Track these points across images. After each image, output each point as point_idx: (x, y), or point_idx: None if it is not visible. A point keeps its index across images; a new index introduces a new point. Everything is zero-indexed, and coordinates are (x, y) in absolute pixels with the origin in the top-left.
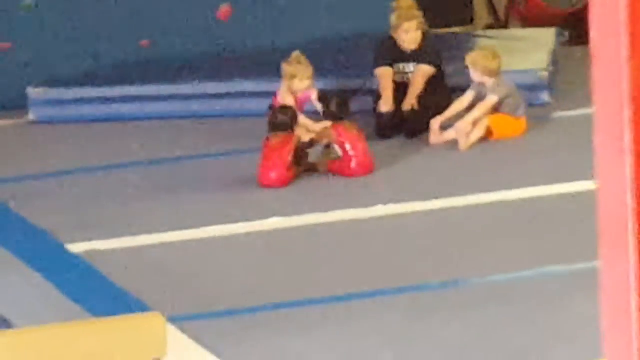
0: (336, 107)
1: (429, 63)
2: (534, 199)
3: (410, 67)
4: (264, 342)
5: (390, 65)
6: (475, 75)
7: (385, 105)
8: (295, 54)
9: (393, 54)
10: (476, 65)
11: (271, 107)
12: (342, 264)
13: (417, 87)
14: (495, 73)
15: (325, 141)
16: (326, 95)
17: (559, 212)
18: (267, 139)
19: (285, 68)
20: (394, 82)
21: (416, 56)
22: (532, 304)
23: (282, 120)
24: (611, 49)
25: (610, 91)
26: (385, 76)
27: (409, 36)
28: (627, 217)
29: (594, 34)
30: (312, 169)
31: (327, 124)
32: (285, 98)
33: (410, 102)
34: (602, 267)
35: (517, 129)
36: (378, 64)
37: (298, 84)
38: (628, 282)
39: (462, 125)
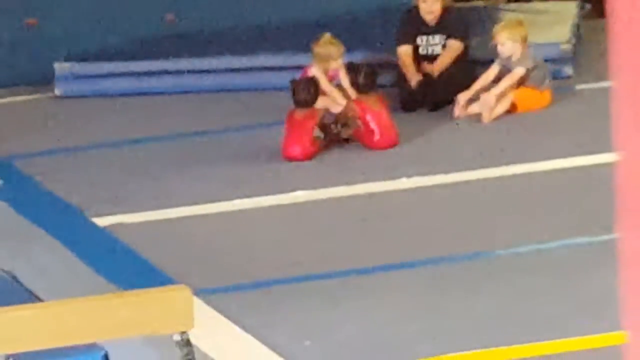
0: (363, 78)
1: (456, 36)
2: (558, 171)
3: (435, 39)
4: (290, 315)
5: (414, 38)
6: (502, 47)
7: (414, 78)
8: (326, 35)
9: (417, 26)
10: (504, 35)
11: (292, 82)
12: (367, 237)
13: (445, 59)
14: (522, 42)
15: (352, 114)
16: (354, 66)
17: (583, 184)
18: (291, 112)
19: (318, 50)
20: (420, 55)
21: (441, 28)
22: (557, 275)
23: (304, 96)
24: (630, 21)
25: (629, 65)
26: (405, 54)
27: (426, 6)
28: None
29: (610, 7)
30: (335, 139)
31: (353, 96)
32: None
33: (438, 68)
34: (620, 240)
35: (542, 102)
36: (400, 40)
37: (332, 64)
38: None
39: (487, 98)
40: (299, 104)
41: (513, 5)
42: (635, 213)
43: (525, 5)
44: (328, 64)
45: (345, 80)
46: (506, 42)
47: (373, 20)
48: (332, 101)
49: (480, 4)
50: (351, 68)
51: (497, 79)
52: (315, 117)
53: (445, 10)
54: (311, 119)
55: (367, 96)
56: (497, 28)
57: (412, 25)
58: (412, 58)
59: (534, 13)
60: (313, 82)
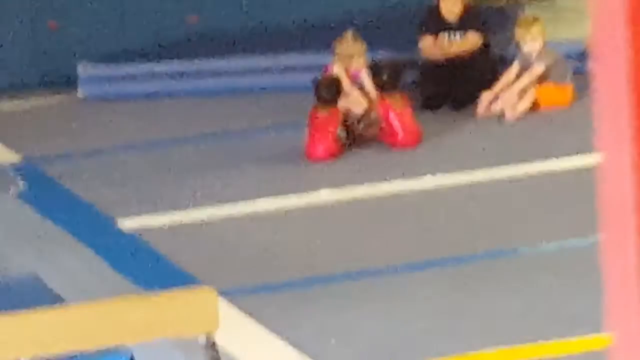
0: (387, 78)
1: (475, 30)
2: (582, 167)
3: (457, 37)
4: (316, 315)
5: (436, 34)
6: (522, 44)
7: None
8: (349, 33)
9: (437, 24)
10: (524, 33)
11: (314, 81)
12: (391, 236)
13: (462, 45)
14: (541, 39)
15: (375, 114)
16: (378, 65)
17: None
18: (314, 112)
19: (340, 48)
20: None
21: (462, 26)
22: (581, 273)
23: (326, 94)
24: (611, 31)
25: (610, 78)
26: (428, 44)
27: (447, 6)
28: (628, 203)
29: (595, 20)
30: (359, 138)
31: (375, 96)
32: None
33: (455, 50)
34: (604, 251)
35: (564, 98)
36: (421, 33)
37: (355, 62)
38: (630, 265)
39: (508, 96)
40: (321, 101)
41: (538, 3)
42: (617, 219)
43: (547, 3)
44: (350, 62)
45: (367, 80)
46: (522, 38)
47: (395, 19)
48: (354, 102)
49: (503, 2)
50: (375, 67)
51: (518, 77)
52: (337, 116)
53: (466, 8)
54: (334, 118)
55: (390, 95)
56: (516, 25)
57: (434, 24)
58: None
59: (559, 10)
60: (335, 80)
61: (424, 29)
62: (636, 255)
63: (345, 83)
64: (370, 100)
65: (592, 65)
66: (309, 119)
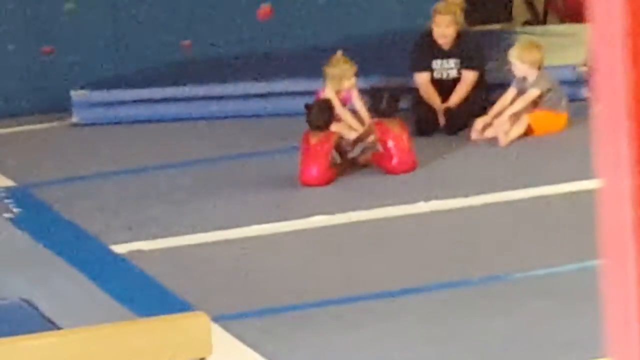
0: (386, 103)
1: (471, 66)
2: (574, 193)
3: (450, 63)
4: (309, 340)
5: (429, 63)
6: (518, 70)
7: (439, 108)
8: (338, 54)
9: (431, 51)
10: (520, 58)
11: (307, 106)
12: (384, 261)
13: (461, 93)
14: (538, 65)
15: (370, 139)
16: (376, 91)
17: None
18: (306, 137)
19: (330, 71)
20: (435, 79)
21: (456, 52)
22: (574, 298)
23: (318, 119)
24: (610, 58)
25: (609, 104)
26: (425, 83)
27: (439, 31)
28: (627, 228)
29: (594, 46)
30: (353, 163)
31: (371, 121)
32: (332, 99)
33: (453, 102)
34: (604, 276)
35: (558, 125)
36: (415, 67)
37: (346, 83)
38: (629, 290)
39: (501, 121)
40: (313, 127)
41: (530, 29)
42: (616, 244)
43: (540, 28)
44: (341, 83)
45: (358, 102)
46: (518, 64)
47: (387, 44)
48: (346, 128)
49: (496, 27)
50: (373, 92)
51: (513, 102)
52: (330, 140)
53: (460, 35)
54: (327, 142)
55: (389, 120)
56: (511, 50)
57: (427, 50)
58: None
59: (551, 36)
60: (327, 105)
61: (415, 59)
62: (635, 280)
63: (338, 107)
64: (363, 124)
65: (591, 90)
66: (302, 144)
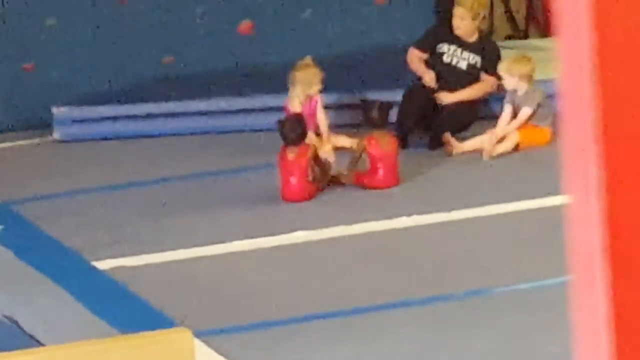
0: (377, 113)
1: (492, 71)
2: (558, 207)
3: (464, 54)
4: (291, 355)
5: (433, 48)
6: (508, 83)
7: (427, 75)
8: (305, 59)
9: (446, 36)
10: (509, 71)
11: (279, 122)
12: (367, 276)
13: (473, 92)
14: (528, 77)
15: (358, 151)
16: (367, 102)
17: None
18: (283, 153)
19: (297, 75)
20: (444, 63)
21: (477, 48)
22: (556, 313)
23: (291, 133)
24: (577, 82)
25: (577, 127)
26: (416, 56)
27: (454, 21)
28: (596, 249)
29: (561, 69)
30: (336, 182)
31: (353, 139)
32: (295, 107)
33: (451, 98)
34: (573, 295)
35: (543, 139)
36: (416, 44)
37: (313, 89)
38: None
39: (489, 136)
40: (288, 141)
41: (511, 43)
42: (585, 267)
43: (524, 42)
44: (309, 88)
45: (321, 112)
46: (508, 77)
47: (370, 58)
48: (329, 154)
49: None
50: (364, 104)
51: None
52: (306, 154)
53: (483, 33)
54: (303, 157)
55: (379, 134)
56: (501, 64)
57: (437, 34)
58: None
59: (533, 50)
60: (299, 119)
61: (421, 38)
62: (604, 300)
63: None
64: (322, 135)
65: (560, 110)
66: (279, 160)
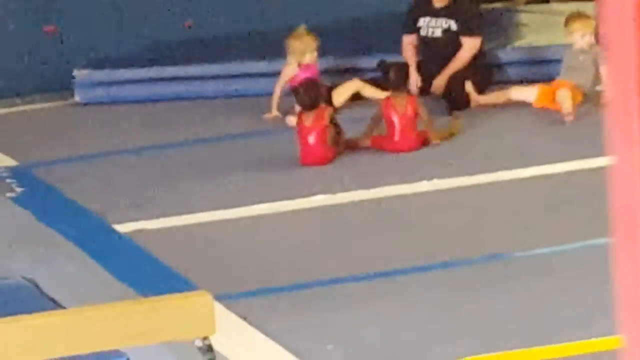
0: (394, 75)
1: (470, 32)
2: (577, 172)
3: (438, 21)
4: (312, 319)
5: (415, 24)
6: (580, 42)
7: (413, 84)
8: (301, 28)
9: (423, 8)
10: (584, 30)
11: (294, 89)
12: (386, 241)
13: (459, 62)
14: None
15: (376, 114)
16: (385, 63)
17: (602, 185)
18: (300, 118)
19: (294, 44)
20: (421, 37)
21: (448, 12)
22: (576, 277)
23: (306, 98)
24: (621, 35)
25: (620, 79)
26: (409, 45)
27: None
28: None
29: (604, 23)
30: (355, 146)
31: (381, 95)
32: (288, 73)
33: (441, 82)
34: (615, 254)
35: (577, 98)
36: (403, 27)
37: (308, 57)
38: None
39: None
40: (304, 107)
41: (533, 7)
42: (628, 223)
43: (545, 7)
44: (303, 57)
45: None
46: (577, 36)
47: (380, 26)
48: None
49: (499, 5)
50: (381, 67)
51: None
52: (323, 118)
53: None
54: (320, 120)
55: (396, 95)
56: (570, 23)
57: (416, 10)
58: (416, 46)
59: (554, 14)
60: (314, 84)
61: (405, 21)
62: None
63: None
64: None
65: (603, 68)
66: (297, 125)
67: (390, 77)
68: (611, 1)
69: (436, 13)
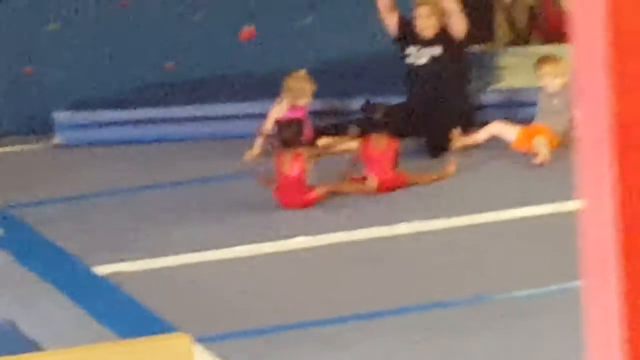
0: (381, 116)
1: (451, 44)
2: (556, 214)
3: (424, 50)
4: None
5: (406, 45)
6: (555, 83)
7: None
8: (302, 72)
9: (410, 37)
10: (553, 73)
11: (276, 122)
12: (367, 282)
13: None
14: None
15: (352, 154)
16: (370, 103)
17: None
18: (279, 158)
19: (291, 84)
20: (409, 65)
21: (434, 40)
22: (555, 319)
23: (289, 135)
24: (592, 77)
25: (591, 120)
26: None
27: (420, 22)
28: (609, 249)
29: (576, 63)
30: (336, 191)
31: (353, 141)
32: (275, 113)
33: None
34: (586, 296)
35: (553, 143)
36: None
37: (301, 101)
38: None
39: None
40: (286, 143)
41: (513, 49)
42: (598, 265)
43: (525, 49)
44: (297, 99)
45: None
46: (549, 79)
47: (368, 68)
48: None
49: (479, 48)
50: (367, 106)
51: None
52: (301, 162)
53: (444, 27)
54: (298, 163)
55: (377, 137)
56: (540, 67)
57: (408, 34)
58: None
59: (534, 56)
60: (298, 122)
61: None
62: (617, 301)
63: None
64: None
65: (574, 112)
66: (275, 165)
67: (377, 117)
68: (581, 44)
69: (425, 43)
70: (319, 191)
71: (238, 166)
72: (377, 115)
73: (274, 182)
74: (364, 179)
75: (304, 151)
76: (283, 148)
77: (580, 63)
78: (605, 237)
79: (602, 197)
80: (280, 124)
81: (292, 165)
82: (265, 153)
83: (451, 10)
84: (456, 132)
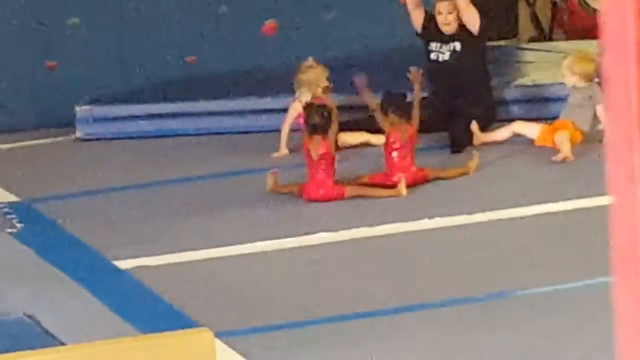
0: (402, 103)
1: (469, 36)
2: (581, 210)
3: (446, 46)
4: (313, 357)
5: (429, 20)
6: (571, 80)
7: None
8: (309, 60)
9: (433, 33)
10: (571, 69)
11: (305, 106)
12: (388, 278)
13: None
14: (591, 77)
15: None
16: (390, 95)
17: (604, 223)
18: (306, 145)
19: (300, 77)
20: (431, 61)
21: (454, 36)
22: (581, 316)
23: (318, 120)
24: (622, 73)
25: (621, 116)
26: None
27: (440, 18)
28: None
29: (606, 60)
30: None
31: (375, 136)
32: (295, 108)
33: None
34: (615, 291)
35: (575, 139)
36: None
37: (320, 89)
38: None
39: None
40: (313, 127)
41: (536, 45)
42: (628, 260)
43: (548, 45)
44: (315, 89)
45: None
46: (568, 75)
47: (394, 60)
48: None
49: (502, 43)
50: (387, 97)
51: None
52: (330, 154)
53: (463, 24)
54: (328, 151)
55: (399, 127)
56: (566, 61)
57: (429, 29)
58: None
59: (557, 52)
60: (327, 106)
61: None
62: None
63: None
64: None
65: (603, 106)
66: (305, 153)
67: (399, 104)
68: (611, 41)
69: (444, 39)
70: (348, 192)
71: (277, 158)
72: (400, 102)
73: (290, 189)
74: (386, 176)
75: (333, 137)
76: (312, 133)
77: (610, 60)
78: (635, 233)
79: (632, 194)
80: (309, 109)
81: (321, 149)
82: (293, 150)
83: (461, 4)
84: (475, 126)
